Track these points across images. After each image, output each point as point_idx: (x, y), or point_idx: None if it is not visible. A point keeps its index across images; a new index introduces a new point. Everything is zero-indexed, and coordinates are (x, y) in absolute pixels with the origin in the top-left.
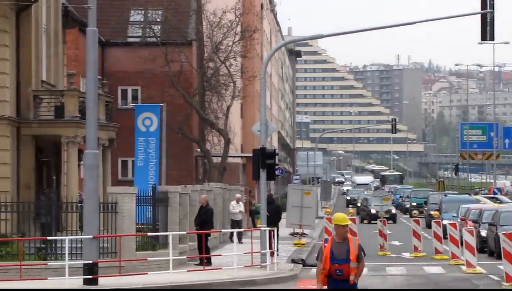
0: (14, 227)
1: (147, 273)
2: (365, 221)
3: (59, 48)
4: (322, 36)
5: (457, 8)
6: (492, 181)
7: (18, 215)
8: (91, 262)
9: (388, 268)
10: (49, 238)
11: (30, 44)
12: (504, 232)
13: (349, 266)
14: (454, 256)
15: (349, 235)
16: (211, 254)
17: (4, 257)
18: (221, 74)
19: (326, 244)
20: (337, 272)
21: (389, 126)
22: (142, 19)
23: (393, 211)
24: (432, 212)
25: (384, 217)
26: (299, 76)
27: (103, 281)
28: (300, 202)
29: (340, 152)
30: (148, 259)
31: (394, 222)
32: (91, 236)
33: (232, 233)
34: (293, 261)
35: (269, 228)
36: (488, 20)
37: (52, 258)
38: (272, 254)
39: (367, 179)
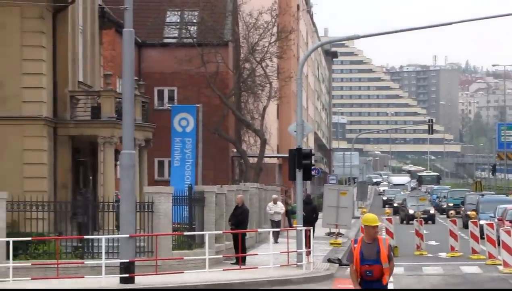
0: (51, 226)
1: (183, 272)
2: (405, 222)
3: (95, 49)
4: (358, 37)
5: (495, 8)
6: None
7: (55, 214)
8: (127, 260)
9: (425, 268)
10: (86, 237)
11: (66, 45)
12: None
13: (379, 266)
14: (491, 256)
15: (379, 236)
16: (247, 253)
17: (42, 256)
18: (257, 75)
19: (355, 245)
20: (367, 273)
21: (426, 127)
22: (178, 20)
23: (432, 211)
24: (469, 212)
25: (421, 217)
26: (336, 77)
27: (139, 280)
28: (336, 202)
29: (376, 152)
30: (184, 258)
31: (433, 222)
32: (127, 235)
33: (273, 233)
34: (329, 260)
35: (305, 228)
36: None
37: (89, 256)
38: (308, 253)
39: (403, 179)
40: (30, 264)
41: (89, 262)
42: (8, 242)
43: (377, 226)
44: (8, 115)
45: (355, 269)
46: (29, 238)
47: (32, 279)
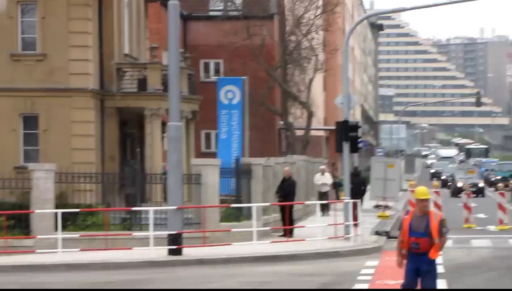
0: (99, 198)
1: (230, 244)
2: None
3: (141, 21)
4: (404, 9)
5: None
6: None
7: (103, 186)
8: (175, 232)
9: (473, 241)
10: (134, 208)
11: (112, 18)
12: None
13: (426, 240)
14: None
15: (431, 210)
16: (295, 225)
17: (90, 227)
18: (303, 47)
19: (406, 216)
20: (413, 245)
21: (473, 100)
22: None
23: (481, 184)
24: None
25: (470, 190)
26: (382, 50)
27: (187, 252)
28: (384, 174)
29: (424, 125)
30: (232, 230)
31: (483, 195)
32: (175, 207)
33: (321, 205)
34: (377, 233)
35: (352, 200)
36: None
37: (137, 228)
38: (356, 226)
39: (451, 152)
40: (78, 235)
41: (137, 233)
42: (56, 213)
43: (427, 199)
44: (55, 88)
45: (402, 240)
46: (78, 210)
47: (81, 250)
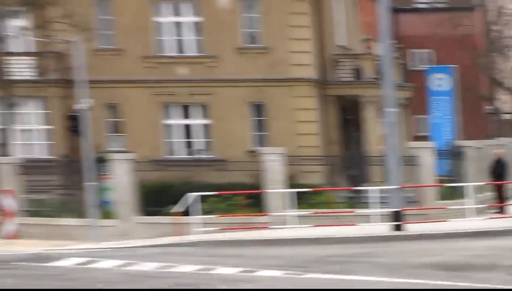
0: (323, 179)
1: (446, 220)
2: None
3: (354, 15)
4: None
5: None
6: None
7: (331, 168)
8: (397, 210)
9: None
10: (357, 188)
11: (327, 11)
12: None
13: None
14: None
15: None
16: (507, 203)
17: (316, 206)
18: (506, 36)
19: None
20: None
21: None
22: None
23: None
24: None
25: None
26: None
27: (407, 227)
28: None
29: None
30: (448, 207)
31: None
32: (397, 186)
33: None
34: None
35: None
36: None
37: (360, 206)
38: None
39: None
40: (312, 212)
41: (360, 211)
42: (284, 193)
43: None
44: (278, 78)
45: None
46: (309, 189)
47: (314, 226)
